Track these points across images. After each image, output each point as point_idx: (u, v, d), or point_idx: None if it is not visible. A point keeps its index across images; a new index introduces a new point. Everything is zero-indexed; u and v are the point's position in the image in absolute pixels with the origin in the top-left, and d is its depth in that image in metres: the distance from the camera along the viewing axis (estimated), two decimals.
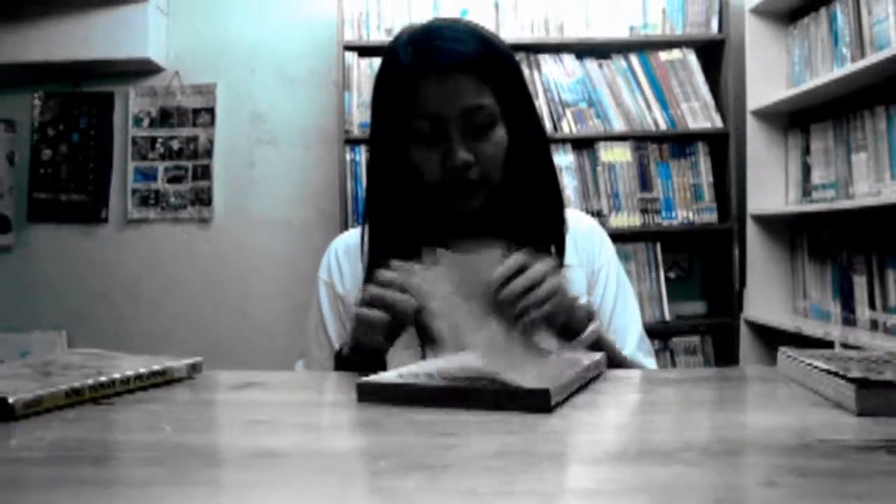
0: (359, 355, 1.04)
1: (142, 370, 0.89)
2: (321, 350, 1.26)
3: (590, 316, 1.10)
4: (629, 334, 1.26)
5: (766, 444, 0.63)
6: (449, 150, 1.11)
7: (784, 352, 0.90)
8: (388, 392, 0.82)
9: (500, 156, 1.15)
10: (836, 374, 0.72)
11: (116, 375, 0.85)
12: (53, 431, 0.71)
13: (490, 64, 1.14)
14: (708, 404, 0.85)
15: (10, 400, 0.72)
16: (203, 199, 3.38)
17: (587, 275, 1.29)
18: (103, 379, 0.83)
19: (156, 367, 0.91)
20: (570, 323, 1.05)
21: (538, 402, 0.75)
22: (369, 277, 1.07)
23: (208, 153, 3.38)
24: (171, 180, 3.40)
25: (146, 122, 3.41)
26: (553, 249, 1.20)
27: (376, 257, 1.15)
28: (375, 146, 1.23)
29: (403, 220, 1.18)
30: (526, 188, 1.18)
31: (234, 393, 0.92)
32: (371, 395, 0.82)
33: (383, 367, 1.02)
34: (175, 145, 3.40)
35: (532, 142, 1.19)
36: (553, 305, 0.97)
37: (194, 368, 0.98)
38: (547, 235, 1.21)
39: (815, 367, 0.78)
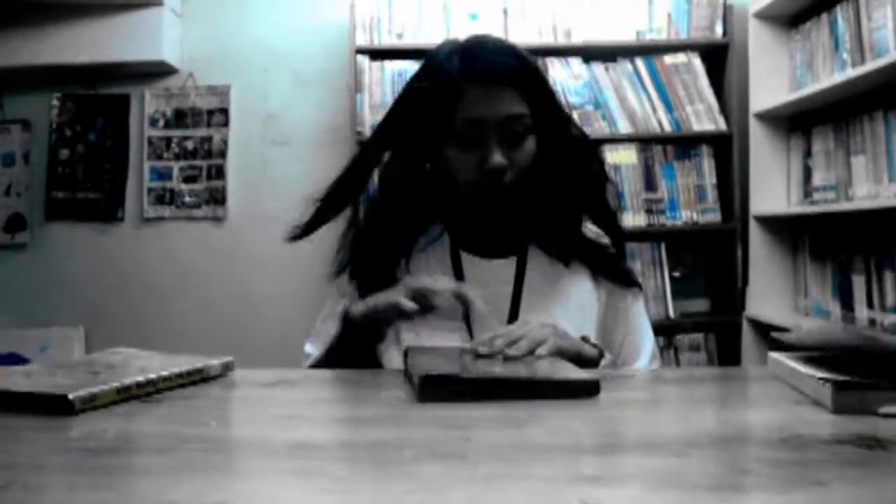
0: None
1: (182, 369, 0.97)
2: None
3: (600, 353, 1.18)
4: (643, 349, 1.34)
5: (748, 437, 0.70)
6: (486, 153, 1.20)
7: (773, 356, 0.97)
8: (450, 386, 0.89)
9: (529, 163, 1.24)
10: (814, 377, 0.80)
11: (160, 374, 0.93)
12: (111, 424, 0.78)
13: (526, 78, 1.24)
14: (701, 403, 0.93)
15: (70, 396, 0.80)
16: (217, 198, 3.46)
17: (603, 295, 1.35)
18: (150, 377, 0.91)
19: (194, 366, 0.99)
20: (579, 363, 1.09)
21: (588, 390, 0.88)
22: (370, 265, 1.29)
23: (222, 153, 3.46)
24: (186, 180, 3.48)
25: (161, 122, 3.49)
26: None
27: (377, 249, 1.31)
28: (400, 148, 1.31)
29: (418, 217, 1.30)
30: (555, 196, 1.28)
31: (266, 390, 1.00)
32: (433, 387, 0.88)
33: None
34: (190, 145, 3.48)
35: (563, 149, 1.28)
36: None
37: (227, 367, 1.06)
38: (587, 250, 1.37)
39: (798, 371, 0.85)
